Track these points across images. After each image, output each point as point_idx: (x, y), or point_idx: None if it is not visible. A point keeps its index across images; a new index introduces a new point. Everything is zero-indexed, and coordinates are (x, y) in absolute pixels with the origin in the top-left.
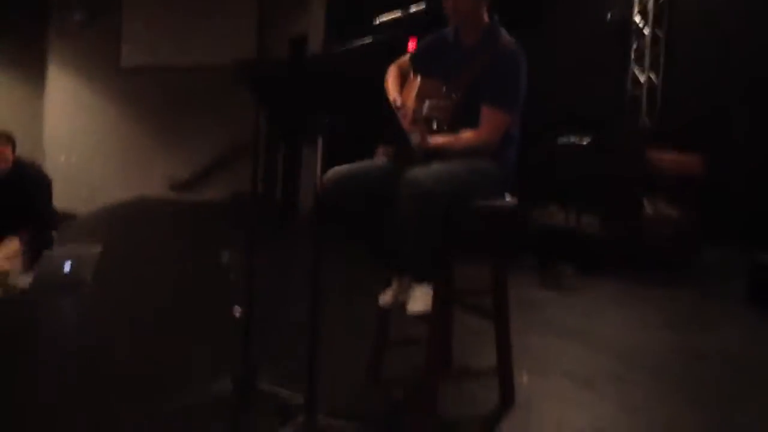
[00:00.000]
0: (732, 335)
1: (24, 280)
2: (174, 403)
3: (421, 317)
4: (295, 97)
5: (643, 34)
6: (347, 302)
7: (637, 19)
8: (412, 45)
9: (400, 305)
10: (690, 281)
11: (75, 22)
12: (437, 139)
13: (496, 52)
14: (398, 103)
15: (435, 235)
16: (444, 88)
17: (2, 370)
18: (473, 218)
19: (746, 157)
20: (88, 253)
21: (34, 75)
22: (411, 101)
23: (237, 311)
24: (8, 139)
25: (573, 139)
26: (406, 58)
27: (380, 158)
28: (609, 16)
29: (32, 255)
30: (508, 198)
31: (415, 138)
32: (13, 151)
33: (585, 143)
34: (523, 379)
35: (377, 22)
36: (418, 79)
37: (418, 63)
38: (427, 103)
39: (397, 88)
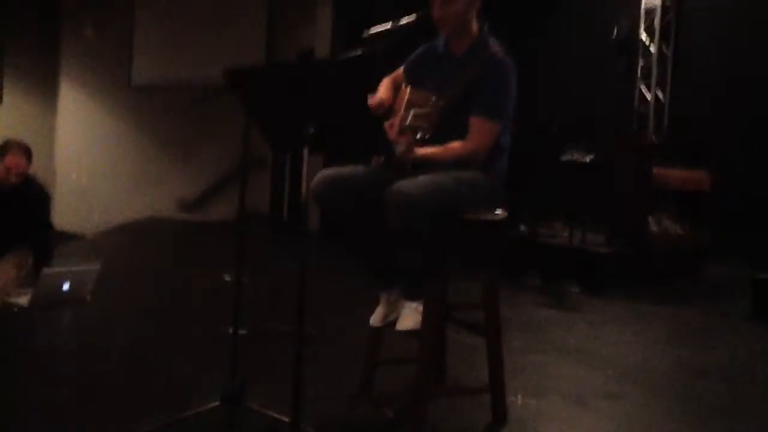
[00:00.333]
0: (734, 352)
1: (23, 298)
2: (161, 420)
3: (411, 335)
4: (279, 106)
5: (650, 51)
6: (346, 317)
7: (644, 36)
8: None
9: (390, 323)
10: (695, 298)
11: (87, 40)
12: (425, 150)
13: (485, 62)
14: (385, 103)
15: (423, 248)
16: (433, 98)
17: None
18: (461, 230)
19: (753, 173)
20: (88, 271)
21: (47, 93)
22: (400, 112)
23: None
24: (26, 151)
25: (576, 155)
26: (400, 71)
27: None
28: (615, 33)
29: (31, 271)
30: (499, 211)
31: (399, 147)
32: (29, 164)
33: (588, 160)
34: (518, 399)
35: (366, 35)
36: (408, 89)
37: (410, 74)
38: (411, 112)
39: (387, 92)
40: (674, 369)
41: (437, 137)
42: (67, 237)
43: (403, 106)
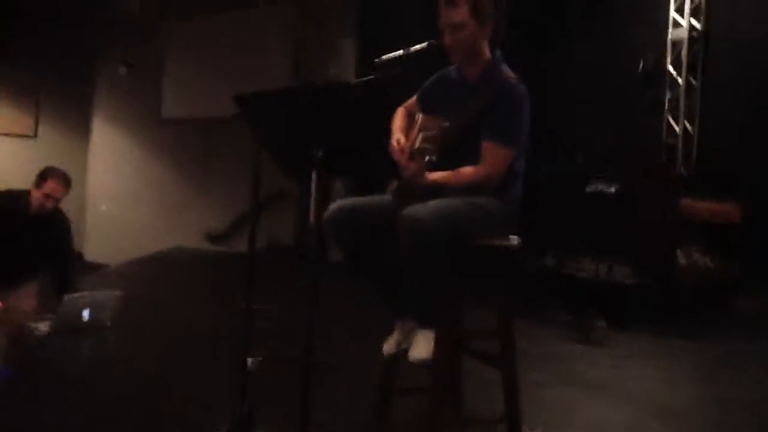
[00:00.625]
0: (763, 386)
1: (44, 324)
2: None
3: (424, 364)
4: (286, 130)
5: (678, 83)
6: (363, 345)
7: (671, 68)
8: None
9: (403, 352)
10: (724, 332)
11: (119, 76)
12: (436, 175)
13: (497, 88)
14: (401, 143)
15: (436, 274)
16: (444, 123)
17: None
18: (473, 257)
19: None
20: (108, 298)
21: (80, 127)
22: (412, 138)
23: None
24: (66, 180)
25: (601, 186)
26: (413, 100)
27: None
28: (641, 66)
29: (53, 298)
30: (514, 238)
31: (408, 173)
32: (67, 192)
33: (613, 190)
34: None
35: (378, 61)
36: (421, 116)
37: (423, 101)
38: (420, 136)
39: (401, 130)
40: (700, 404)
41: (450, 163)
42: (93, 267)
43: (415, 132)
